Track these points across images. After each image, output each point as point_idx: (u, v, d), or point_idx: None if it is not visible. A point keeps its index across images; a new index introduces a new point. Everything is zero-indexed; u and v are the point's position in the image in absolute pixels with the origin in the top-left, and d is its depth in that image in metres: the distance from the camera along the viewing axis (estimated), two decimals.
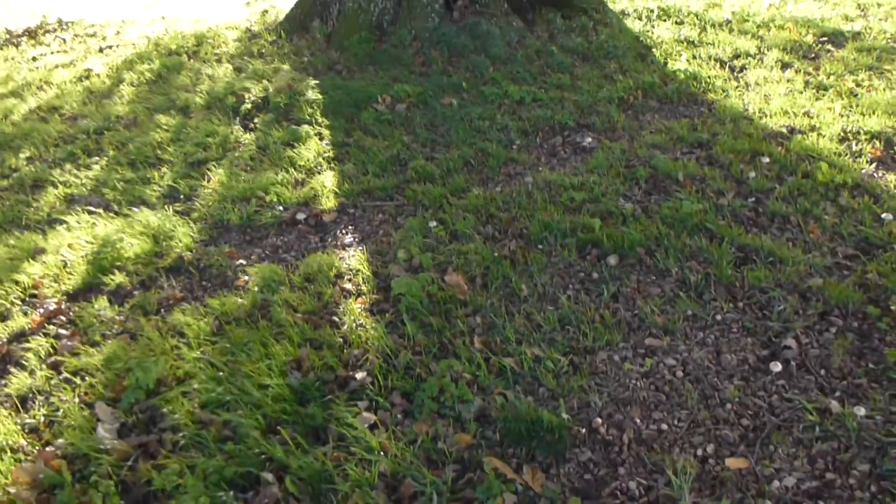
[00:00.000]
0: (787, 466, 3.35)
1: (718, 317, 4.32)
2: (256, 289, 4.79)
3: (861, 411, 3.56)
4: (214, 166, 6.52)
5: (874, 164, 5.85)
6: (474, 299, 4.57)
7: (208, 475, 3.42)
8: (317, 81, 8.15)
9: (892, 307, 4.23)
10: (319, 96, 7.68)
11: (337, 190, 6.05)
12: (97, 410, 3.89)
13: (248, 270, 5.05)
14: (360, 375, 4.01)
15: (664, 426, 3.65)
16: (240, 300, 4.68)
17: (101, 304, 4.74)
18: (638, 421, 3.66)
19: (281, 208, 5.83)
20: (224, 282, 5.02)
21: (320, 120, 7.30)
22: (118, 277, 5.03)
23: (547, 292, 4.61)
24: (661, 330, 4.24)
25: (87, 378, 4.12)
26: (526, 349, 4.09)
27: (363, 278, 4.87)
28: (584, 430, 3.61)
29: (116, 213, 5.83)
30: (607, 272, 4.76)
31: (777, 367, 3.91)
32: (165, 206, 5.92)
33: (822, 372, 3.90)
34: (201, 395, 3.88)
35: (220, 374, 3.99)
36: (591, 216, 5.24)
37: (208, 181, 6.23)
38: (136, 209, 5.85)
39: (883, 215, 5.11)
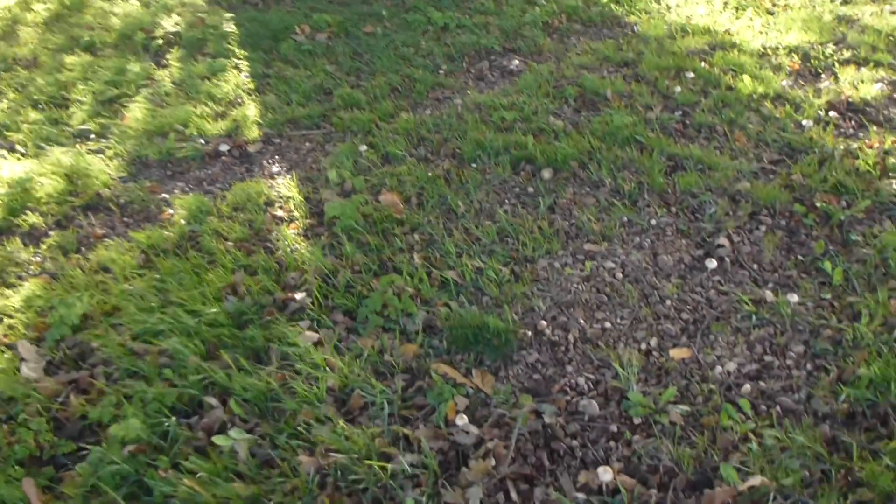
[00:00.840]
0: (728, 353, 3.42)
1: (653, 221, 4.36)
2: (183, 221, 4.60)
3: (794, 298, 3.66)
4: (127, 103, 6.19)
5: (793, 76, 5.96)
6: (411, 218, 4.50)
7: (147, 403, 3.28)
8: (231, 14, 7.82)
9: (817, 204, 4.34)
10: (235, 29, 7.37)
11: (260, 120, 5.84)
12: (20, 350, 3.67)
13: (174, 203, 4.83)
14: (299, 296, 3.90)
15: (608, 324, 3.67)
16: (166, 233, 4.49)
17: (15, 245, 4.46)
18: (582, 321, 3.67)
19: (202, 141, 5.59)
20: (147, 216, 4.80)
21: (238, 52, 7.02)
22: (32, 218, 4.74)
23: (484, 208, 4.57)
24: (598, 236, 4.27)
25: (5, 320, 3.88)
26: (467, 261, 4.04)
27: (295, 204, 4.73)
28: (529, 333, 3.60)
29: (24, 155, 5.48)
30: (542, 186, 4.74)
31: (712, 263, 3.97)
32: (77, 146, 5.59)
33: (755, 266, 3.98)
34: (133, 327, 3.71)
35: (152, 304, 3.82)
36: (523, 134, 5.20)
37: (122, 118, 5.91)
38: (45, 149, 5.49)
39: (804, 122, 5.24)
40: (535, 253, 4.16)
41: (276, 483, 2.87)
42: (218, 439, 3.01)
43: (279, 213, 4.66)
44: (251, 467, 2.95)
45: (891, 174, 4.59)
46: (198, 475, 2.89)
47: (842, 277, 3.75)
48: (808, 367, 3.28)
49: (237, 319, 3.76)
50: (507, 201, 4.63)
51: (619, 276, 3.98)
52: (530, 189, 4.73)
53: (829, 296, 3.70)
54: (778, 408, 3.07)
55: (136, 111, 6.01)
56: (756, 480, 2.70)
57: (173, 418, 3.22)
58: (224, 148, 5.45)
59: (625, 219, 4.39)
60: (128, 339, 3.66)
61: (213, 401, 3.35)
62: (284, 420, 3.18)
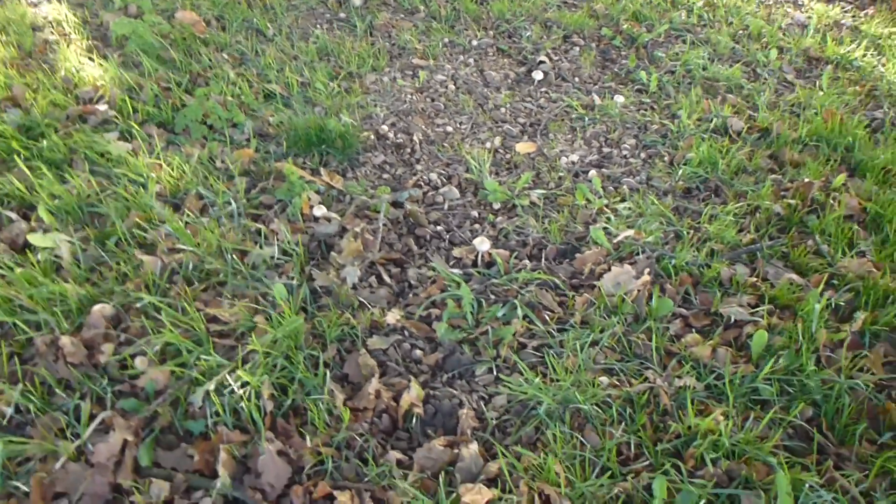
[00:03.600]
0: (569, 147, 3.48)
1: (474, 42, 4.30)
2: None
3: (620, 100, 3.78)
4: None
5: None
6: (216, 38, 4.06)
7: None
8: None
9: (623, 26, 4.50)
10: None
11: None
12: None
13: None
14: (101, 108, 3.36)
15: (449, 129, 3.58)
16: None
17: None
18: (423, 126, 3.54)
19: None
20: None
21: None
22: None
23: (295, 31, 4.23)
24: (423, 55, 4.11)
25: None
26: (289, 76, 3.72)
27: (72, 26, 4.06)
28: (372, 137, 3.42)
29: None
30: (354, 12, 4.47)
31: (539, 75, 4.01)
32: None
33: (577, 79, 4.07)
34: None
35: None
36: None
37: None
38: None
39: None
40: (360, 69, 3.94)
41: (113, 284, 2.46)
42: (35, 238, 2.53)
43: (52, 36, 3.98)
44: (79, 271, 2.51)
45: (679, 5, 4.88)
46: (7, 279, 2.41)
47: (657, 85, 3.92)
48: (643, 155, 3.42)
49: (29, 132, 3.16)
50: (319, 25, 4.33)
51: (452, 87, 3.88)
52: (342, 14, 4.45)
53: (648, 100, 3.86)
54: (624, 187, 3.16)
55: None
56: (624, 234, 2.77)
57: None
58: None
59: (446, 40, 4.28)
60: None
61: (11, 214, 2.80)
62: (110, 225, 2.73)
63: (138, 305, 2.38)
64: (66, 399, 2.15)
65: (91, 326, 2.29)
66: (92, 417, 2.11)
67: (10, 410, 2.09)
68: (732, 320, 2.46)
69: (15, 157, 2.95)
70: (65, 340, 2.22)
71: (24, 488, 1.95)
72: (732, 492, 1.92)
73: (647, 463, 2.02)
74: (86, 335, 2.28)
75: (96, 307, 2.35)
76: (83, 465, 1.99)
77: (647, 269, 2.57)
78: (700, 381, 2.25)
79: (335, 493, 1.97)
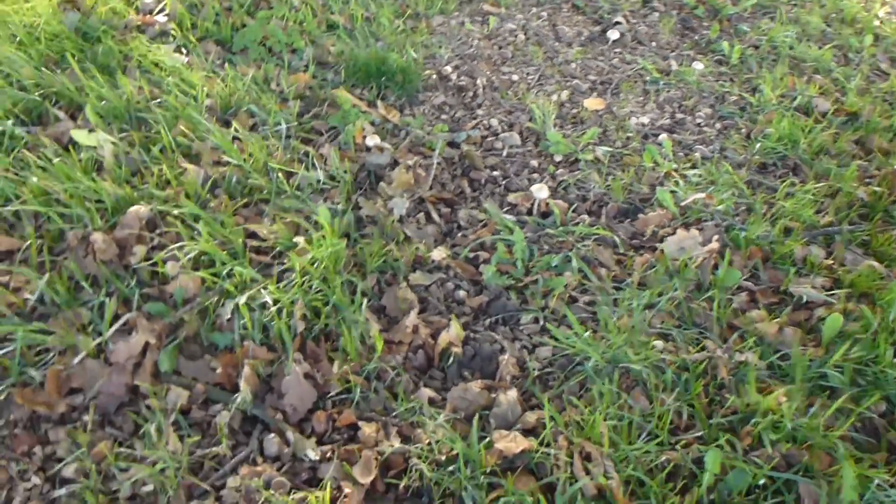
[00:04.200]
0: (640, 109, 3.29)
1: None
2: None
3: (699, 67, 3.56)
4: None
5: None
6: None
7: None
8: None
9: None
10: None
11: None
12: None
13: None
14: (161, 19, 3.24)
15: (515, 77, 3.41)
16: None
17: None
18: (488, 72, 3.36)
19: None
20: None
21: None
22: None
23: None
24: (494, 2, 3.94)
25: None
26: (354, 8, 3.57)
27: None
28: (434, 76, 3.24)
29: None
30: None
31: (614, 35, 3.80)
32: None
33: (654, 44, 3.86)
34: None
35: None
36: None
37: None
38: None
39: None
40: (428, 11, 3.77)
41: (152, 189, 2.35)
42: (79, 135, 2.42)
43: None
44: (119, 173, 2.40)
45: None
46: (47, 172, 2.31)
47: (738, 58, 3.69)
48: (718, 125, 3.22)
49: (85, 35, 3.07)
50: None
51: (522, 37, 3.70)
52: None
53: (728, 71, 3.63)
54: (696, 154, 2.96)
55: None
56: (693, 197, 2.58)
57: (10, 121, 2.55)
58: None
59: None
60: None
61: (59, 113, 2.70)
62: (156, 132, 2.61)
63: (176, 212, 2.26)
64: (92, 296, 2.04)
65: (125, 226, 2.18)
66: (116, 317, 2.00)
67: (33, 298, 1.99)
68: (804, 300, 2.27)
69: (69, 57, 2.84)
70: (96, 236, 2.11)
71: (40, 379, 1.84)
72: (791, 477, 1.74)
73: (698, 434, 1.84)
74: (119, 234, 2.17)
75: (133, 208, 2.24)
76: (102, 363, 1.89)
77: (716, 237, 2.38)
78: (762, 360, 2.06)
79: (360, 423, 1.82)
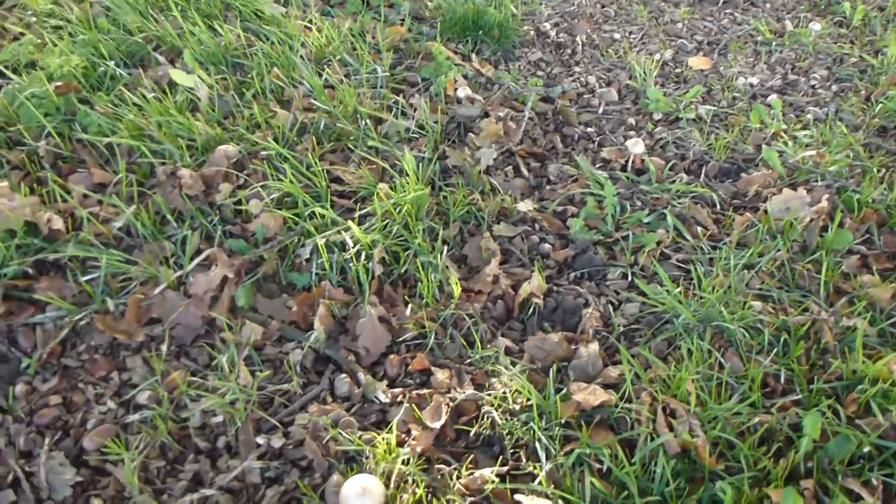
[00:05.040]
0: (748, 70, 3.08)
1: None
2: None
3: (816, 28, 3.31)
4: None
5: None
6: None
7: (78, 47, 2.64)
8: None
9: None
10: None
11: None
12: None
13: None
14: None
15: (616, 36, 3.26)
16: None
17: None
18: (588, 30, 3.22)
19: None
20: None
21: None
22: None
23: None
24: None
25: None
26: None
27: None
28: (532, 32, 3.12)
29: None
30: None
31: None
32: None
33: (768, 5, 3.63)
34: None
35: None
36: None
37: None
38: None
39: None
40: None
41: (242, 131, 2.34)
42: (176, 75, 2.44)
43: None
44: (212, 114, 2.41)
45: None
46: (143, 111, 2.34)
47: (861, 19, 3.41)
48: (834, 88, 2.98)
49: None
50: None
51: None
52: None
53: (848, 33, 3.36)
54: (808, 116, 2.75)
55: None
56: (802, 154, 2.38)
57: (112, 62, 2.59)
58: None
59: None
60: None
61: (160, 57, 2.74)
62: (251, 77, 2.61)
63: (264, 153, 2.25)
64: (176, 230, 2.05)
65: (213, 164, 2.19)
66: (198, 252, 2.00)
67: (118, 224, 2.02)
68: None
69: (171, 4, 2.88)
70: (184, 172, 2.13)
71: (121, 308, 1.87)
72: None
73: (796, 399, 1.69)
74: (206, 172, 2.18)
75: (221, 147, 2.25)
76: (181, 295, 1.89)
77: (826, 197, 2.19)
78: (873, 326, 1.88)
79: (433, 368, 1.76)
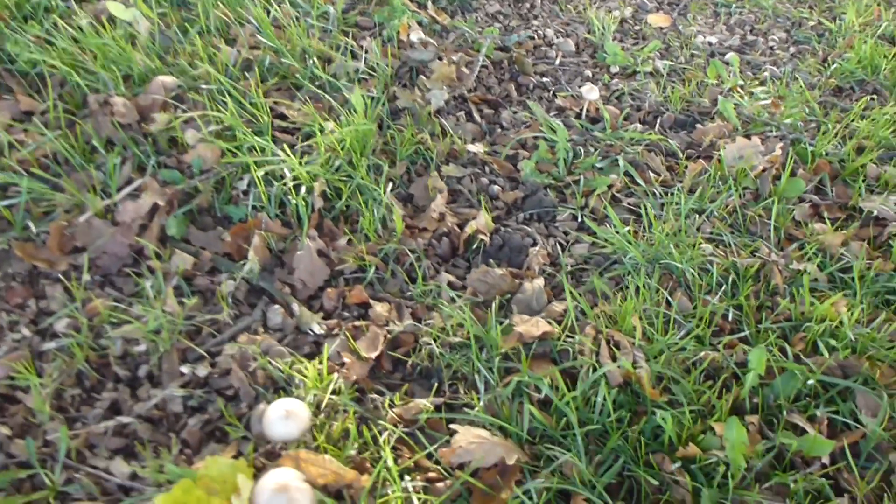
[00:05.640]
0: (708, 30, 3.05)
1: None
2: None
3: None
4: None
5: None
6: None
7: None
8: None
9: None
10: None
11: None
12: None
13: None
14: None
15: None
16: None
17: None
18: None
19: None
20: None
21: None
22: None
23: None
24: None
25: None
26: None
27: None
28: None
29: None
30: None
31: None
32: None
33: None
34: None
35: None
36: None
37: None
38: None
39: None
40: None
41: (183, 66, 2.23)
42: (114, 7, 2.31)
43: None
44: (152, 47, 2.29)
45: None
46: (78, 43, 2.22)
47: None
48: (792, 49, 2.97)
49: None
50: None
51: None
52: None
53: None
54: (765, 74, 2.71)
55: None
56: (760, 103, 2.35)
57: None
58: None
59: None
60: None
61: None
62: (195, 14, 2.49)
63: (205, 87, 2.14)
64: (106, 158, 1.93)
65: (150, 93, 2.07)
66: (129, 182, 1.89)
67: (33, 145, 1.89)
68: (874, 216, 2.03)
69: None
70: (117, 99, 2.01)
71: (43, 236, 1.75)
72: (848, 384, 1.53)
73: (744, 335, 1.64)
74: (142, 102, 2.07)
75: (159, 77, 2.13)
76: (108, 223, 1.78)
77: (780, 146, 2.15)
78: (822, 271, 1.84)
79: (372, 301, 1.68)
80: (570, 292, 1.66)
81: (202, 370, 1.55)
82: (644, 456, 1.39)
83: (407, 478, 1.33)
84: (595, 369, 1.49)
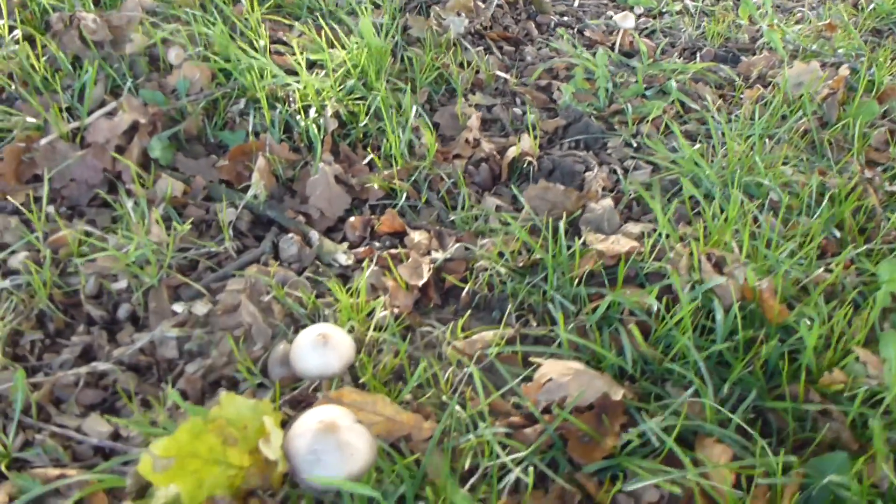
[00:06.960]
0: None
1: None
2: None
3: None
4: None
5: None
6: None
7: None
8: None
9: None
10: None
11: None
12: None
13: None
14: None
15: None
16: None
17: None
18: None
19: None
20: None
21: None
22: None
23: None
24: None
25: None
26: None
27: None
28: None
29: None
30: None
31: None
32: None
33: None
34: None
35: None
36: None
37: None
38: None
39: None
40: None
41: None
42: None
43: None
44: None
45: None
46: None
47: None
48: None
49: None
50: None
51: None
52: None
53: None
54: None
55: None
56: (814, 26, 2.09)
57: None
58: None
59: None
60: None
61: None
62: None
63: (190, 11, 1.80)
64: (75, 78, 1.58)
65: (125, 10, 1.72)
66: (102, 104, 1.53)
67: None
68: None
69: None
70: (86, 15, 1.66)
71: None
72: None
73: (854, 253, 1.34)
74: (115, 20, 1.72)
75: None
76: (75, 146, 1.42)
77: (846, 68, 1.89)
78: None
79: (408, 229, 1.35)
80: (655, 207, 1.34)
81: (201, 307, 1.21)
82: (771, 388, 1.07)
83: (482, 424, 0.99)
84: (696, 288, 1.17)
